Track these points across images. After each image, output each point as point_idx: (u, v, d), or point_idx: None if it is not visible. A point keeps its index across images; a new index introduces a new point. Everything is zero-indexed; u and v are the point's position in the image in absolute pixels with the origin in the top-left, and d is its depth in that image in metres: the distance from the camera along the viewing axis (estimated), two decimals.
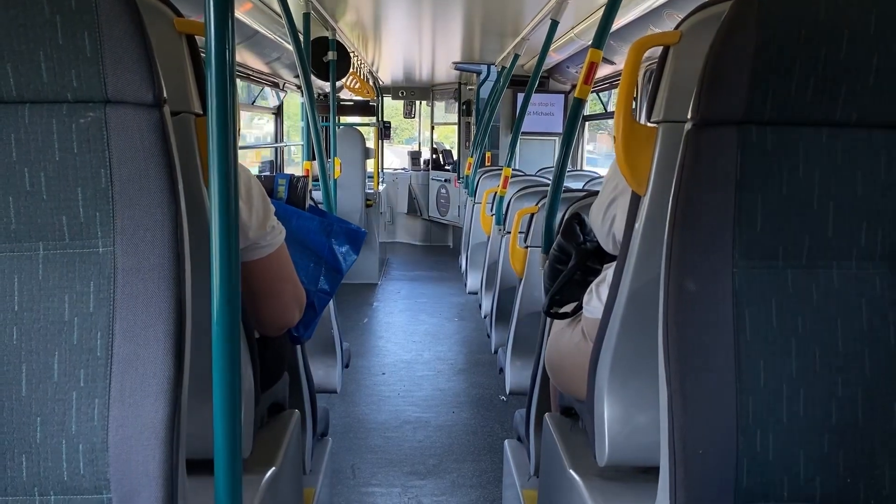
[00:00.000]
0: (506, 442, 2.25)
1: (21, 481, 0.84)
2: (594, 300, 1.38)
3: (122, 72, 0.85)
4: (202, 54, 0.98)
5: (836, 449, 0.89)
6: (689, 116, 0.91)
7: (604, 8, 1.95)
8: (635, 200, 1.16)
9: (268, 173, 5.71)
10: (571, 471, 1.34)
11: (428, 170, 8.38)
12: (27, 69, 0.83)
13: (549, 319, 1.71)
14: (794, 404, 0.89)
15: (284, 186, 1.67)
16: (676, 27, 1.11)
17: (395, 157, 9.83)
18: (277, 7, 2.75)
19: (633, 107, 1.15)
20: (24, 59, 0.83)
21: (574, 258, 1.53)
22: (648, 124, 1.13)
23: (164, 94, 0.88)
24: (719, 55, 0.88)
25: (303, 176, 1.72)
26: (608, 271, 1.37)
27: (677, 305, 0.89)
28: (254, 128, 6.51)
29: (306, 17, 3.34)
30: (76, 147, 0.85)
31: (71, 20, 0.83)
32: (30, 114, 0.84)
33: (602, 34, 1.94)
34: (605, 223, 1.33)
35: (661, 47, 1.12)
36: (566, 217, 1.69)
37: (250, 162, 6.13)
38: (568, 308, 1.51)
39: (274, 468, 1.30)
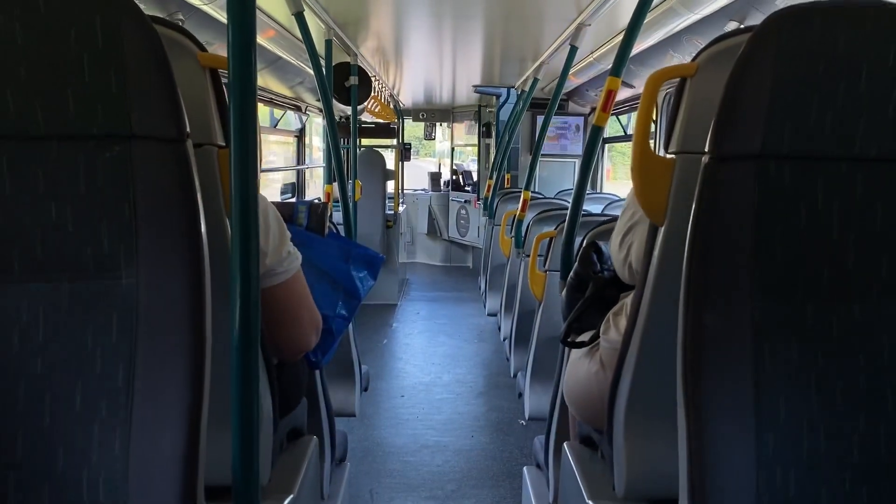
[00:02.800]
0: (525, 469, 2.23)
1: None
2: (612, 330, 1.37)
3: (147, 107, 0.87)
4: (225, 86, 1.00)
5: (858, 487, 0.88)
6: (706, 150, 0.91)
7: (622, 36, 1.96)
8: (653, 231, 1.15)
9: (289, 196, 5.77)
10: (590, 501, 1.32)
11: (448, 191, 8.41)
12: (55, 105, 0.85)
13: (566, 348, 1.71)
14: (815, 441, 0.87)
15: (304, 213, 1.69)
16: (693, 59, 1.11)
17: (423, 168, 9.87)
18: (300, 34, 2.79)
19: (653, 130, 1.16)
20: (52, 95, 0.85)
21: (591, 288, 1.52)
22: (666, 155, 1.13)
23: (188, 129, 0.90)
24: (736, 88, 0.88)
25: (323, 202, 1.74)
26: (625, 301, 1.37)
27: (695, 339, 0.89)
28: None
29: (328, 43, 3.39)
30: (101, 181, 0.87)
31: (98, 58, 0.85)
32: (57, 149, 0.86)
33: (620, 62, 1.95)
34: (622, 251, 1.33)
35: (679, 78, 1.13)
36: (583, 245, 1.69)
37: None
38: (585, 337, 1.51)
39: (292, 495, 1.31)
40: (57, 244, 0.86)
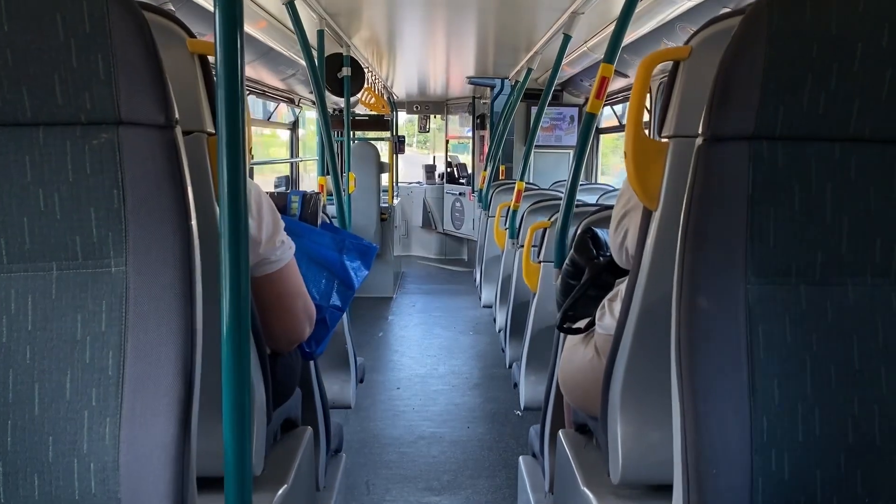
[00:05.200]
0: (521, 458, 2.23)
1: (33, 500, 0.84)
2: (607, 316, 1.37)
3: (135, 93, 0.86)
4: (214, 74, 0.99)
5: (853, 468, 0.87)
6: (699, 132, 0.91)
7: (615, 23, 1.95)
8: (647, 215, 1.15)
9: (282, 189, 5.76)
10: (585, 488, 1.32)
11: (442, 183, 8.40)
12: (42, 92, 0.84)
13: (562, 335, 1.70)
14: (810, 423, 0.87)
15: (298, 203, 1.68)
16: (686, 42, 1.10)
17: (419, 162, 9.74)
18: (291, 24, 2.77)
19: (647, 120, 1.15)
20: (39, 82, 0.84)
21: (587, 273, 1.52)
22: (659, 139, 1.12)
23: (177, 115, 0.89)
24: (730, 70, 0.88)
25: (315, 192, 1.73)
26: (620, 287, 1.36)
27: (689, 322, 0.88)
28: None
29: (320, 33, 3.37)
30: (89, 168, 0.86)
31: (85, 43, 0.84)
32: (44, 136, 0.85)
33: (613, 49, 1.94)
34: (618, 236, 1.33)
35: (672, 62, 1.12)
36: (579, 232, 1.68)
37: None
38: (581, 324, 1.51)
39: (286, 486, 1.30)
40: (45, 232, 0.85)
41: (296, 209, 1.69)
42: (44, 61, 0.84)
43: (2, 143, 0.85)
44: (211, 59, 1.07)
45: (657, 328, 1.11)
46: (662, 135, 1.12)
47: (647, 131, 1.16)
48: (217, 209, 1.07)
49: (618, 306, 1.32)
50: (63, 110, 0.85)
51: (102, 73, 0.85)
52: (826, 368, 0.88)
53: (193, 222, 0.88)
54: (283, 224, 1.26)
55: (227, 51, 0.83)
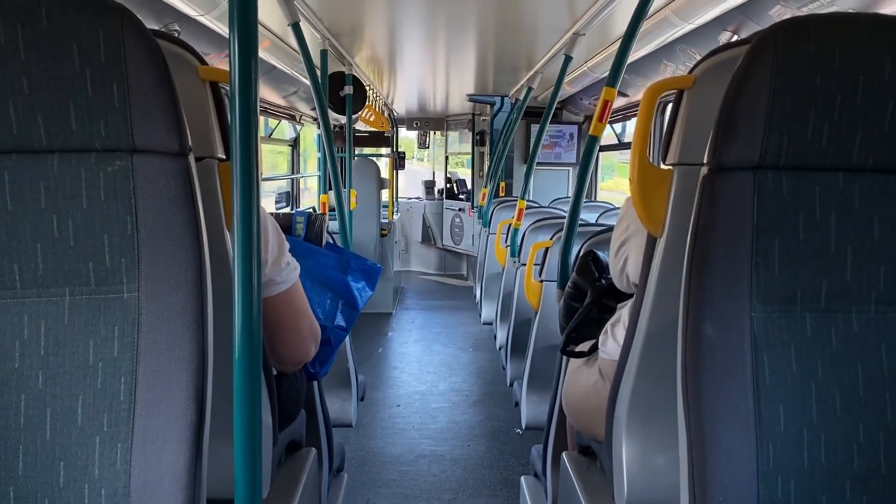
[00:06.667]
0: (522, 478, 2.23)
1: None
2: (610, 341, 1.38)
3: (149, 121, 0.87)
4: (225, 99, 1.01)
5: (859, 495, 0.88)
6: (704, 161, 0.92)
7: (618, 47, 1.97)
8: (651, 242, 1.16)
9: (284, 204, 5.76)
10: None
11: (442, 199, 8.42)
12: (57, 119, 0.85)
13: (565, 357, 1.71)
14: (816, 450, 0.88)
15: (303, 224, 1.69)
16: (690, 71, 1.12)
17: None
18: (295, 44, 2.80)
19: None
20: (54, 109, 0.85)
21: (589, 296, 1.53)
22: (663, 167, 1.14)
23: (189, 142, 0.90)
24: (735, 101, 0.89)
25: (320, 214, 1.74)
26: (623, 311, 1.37)
27: (695, 350, 0.89)
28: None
29: (323, 53, 3.40)
30: (103, 195, 0.87)
31: (100, 72, 0.85)
32: (59, 163, 0.86)
33: (616, 73, 1.96)
34: (618, 262, 1.34)
35: (676, 91, 1.14)
36: (581, 254, 1.69)
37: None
38: (584, 347, 1.51)
39: None
40: (58, 258, 0.86)
41: (301, 230, 1.70)
42: (59, 89, 0.85)
43: (17, 169, 0.86)
44: (222, 84, 1.09)
45: (662, 353, 1.12)
46: (667, 162, 1.13)
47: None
48: (227, 234, 1.08)
49: (620, 331, 1.33)
50: (78, 137, 0.86)
51: (117, 101, 0.86)
52: (831, 396, 0.88)
53: (206, 249, 0.89)
54: (287, 245, 1.27)
55: (242, 80, 0.84)
